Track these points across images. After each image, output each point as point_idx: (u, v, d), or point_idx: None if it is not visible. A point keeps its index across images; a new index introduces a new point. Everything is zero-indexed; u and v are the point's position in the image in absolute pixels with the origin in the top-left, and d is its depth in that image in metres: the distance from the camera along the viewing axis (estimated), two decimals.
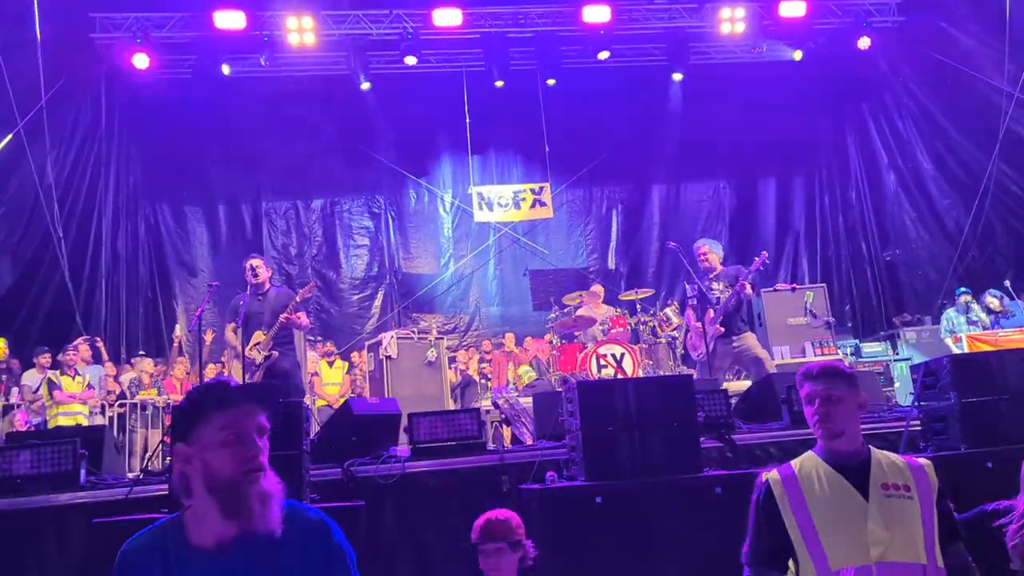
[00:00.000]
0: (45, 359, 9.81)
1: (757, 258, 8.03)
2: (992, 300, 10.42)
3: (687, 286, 8.18)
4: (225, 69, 12.78)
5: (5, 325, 10.71)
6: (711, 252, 8.20)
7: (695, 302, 7.93)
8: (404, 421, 5.60)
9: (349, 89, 13.65)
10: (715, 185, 15.70)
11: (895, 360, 10.56)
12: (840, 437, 2.69)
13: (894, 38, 13.56)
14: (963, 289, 10.61)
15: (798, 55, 13.77)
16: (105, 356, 10.32)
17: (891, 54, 13.69)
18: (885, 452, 2.74)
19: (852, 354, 10.66)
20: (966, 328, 10.23)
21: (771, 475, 2.75)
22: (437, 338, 10.48)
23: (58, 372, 9.30)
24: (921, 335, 11.06)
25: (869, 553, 2.51)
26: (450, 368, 11.36)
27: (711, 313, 7.81)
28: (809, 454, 2.78)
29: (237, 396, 2.02)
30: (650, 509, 4.23)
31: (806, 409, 2.78)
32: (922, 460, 2.74)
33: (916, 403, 4.77)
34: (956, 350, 9.87)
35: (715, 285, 7.94)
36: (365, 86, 13.43)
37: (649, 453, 4.45)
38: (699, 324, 7.83)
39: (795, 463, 2.76)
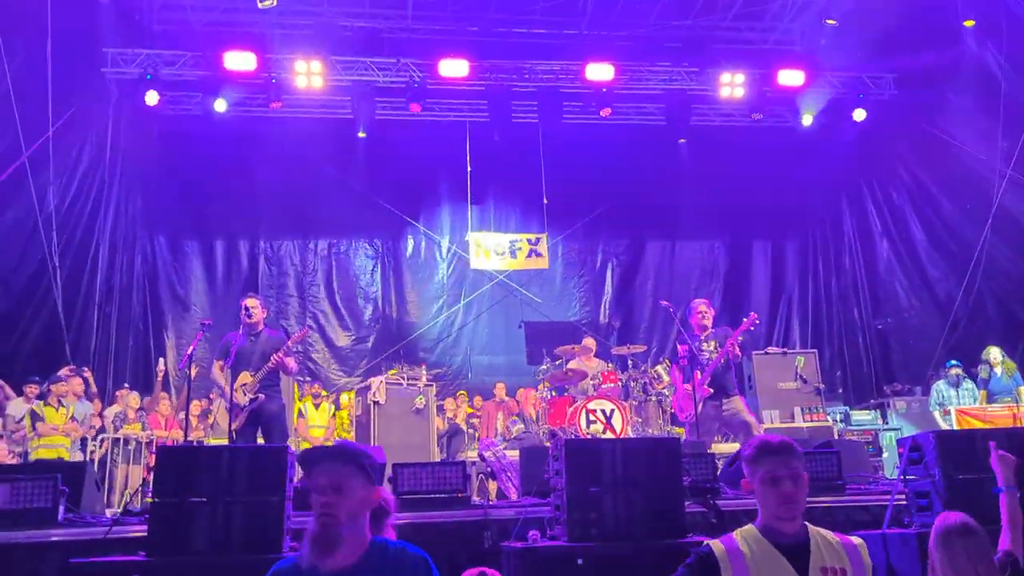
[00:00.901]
0: (32, 389, 9.72)
1: (746, 319, 8.08)
2: (993, 351, 10.41)
3: (678, 346, 8.19)
4: (220, 105, 12.91)
5: None
6: (708, 311, 8.22)
7: (685, 362, 7.89)
8: (388, 471, 5.58)
9: (353, 133, 13.81)
10: (710, 244, 15.83)
11: (884, 429, 10.54)
12: (798, 518, 2.68)
13: (889, 110, 13.83)
14: (954, 362, 10.63)
15: (808, 119, 14.00)
16: (93, 389, 10.24)
17: (886, 126, 13.94)
18: (819, 530, 2.71)
19: (841, 421, 10.64)
20: (956, 402, 10.24)
21: (716, 545, 2.70)
22: (427, 385, 10.48)
23: (42, 403, 9.22)
24: (911, 405, 11.05)
25: None
26: (438, 416, 11.31)
27: (698, 375, 7.80)
28: (749, 528, 2.72)
29: (318, 456, 2.68)
30: (632, 574, 4.20)
31: (762, 488, 2.67)
32: (855, 539, 2.73)
33: (902, 477, 4.77)
34: (944, 424, 9.86)
35: (705, 346, 7.97)
36: (361, 135, 13.59)
37: (634, 515, 4.44)
38: (687, 386, 7.82)
39: (736, 536, 2.71)
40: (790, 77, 13.30)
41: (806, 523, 2.70)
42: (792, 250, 15.81)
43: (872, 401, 12.18)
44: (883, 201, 14.35)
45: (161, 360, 12.32)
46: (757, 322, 8.28)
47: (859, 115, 13.59)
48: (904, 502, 4.80)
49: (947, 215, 12.91)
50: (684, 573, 2.72)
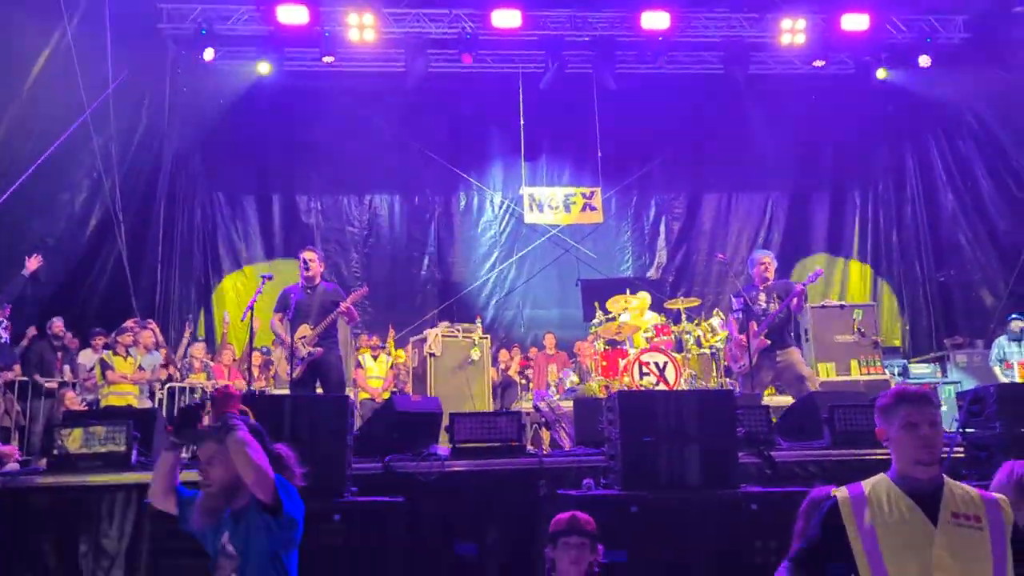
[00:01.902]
0: (100, 340, 10.12)
1: (811, 273, 7.98)
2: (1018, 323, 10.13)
3: (732, 298, 8.13)
4: (263, 68, 13.03)
5: (64, 305, 11.07)
6: (772, 263, 8.09)
7: (740, 314, 7.84)
8: (445, 420, 5.70)
9: (405, 87, 13.80)
10: (767, 197, 15.51)
11: (943, 383, 10.34)
12: (935, 464, 2.66)
13: (957, 56, 13.27)
14: (1015, 316, 10.32)
15: (883, 73, 13.56)
16: (160, 340, 10.60)
17: (953, 72, 13.39)
18: (959, 483, 2.69)
19: (900, 374, 10.48)
20: (1018, 356, 9.98)
21: (840, 492, 2.72)
22: (481, 338, 10.57)
23: (111, 353, 9.58)
24: (972, 359, 10.81)
25: None
26: (492, 368, 11.44)
27: (755, 326, 7.74)
28: (882, 477, 2.73)
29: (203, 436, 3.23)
30: (685, 522, 4.25)
31: (901, 433, 2.66)
32: (997, 495, 2.68)
33: (960, 430, 4.71)
34: (1004, 378, 9.63)
35: (761, 297, 7.87)
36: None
37: (687, 466, 4.47)
38: (742, 336, 7.77)
39: (866, 484, 2.71)
40: (854, 21, 12.79)
41: (944, 474, 2.68)
42: (852, 202, 15.40)
43: (932, 355, 11.95)
44: (948, 151, 13.88)
45: (225, 312, 12.66)
46: (821, 275, 8.16)
47: (924, 61, 13.06)
48: (962, 455, 4.74)
49: (1017, 165, 12.44)
50: (819, 523, 2.72)
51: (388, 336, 12.18)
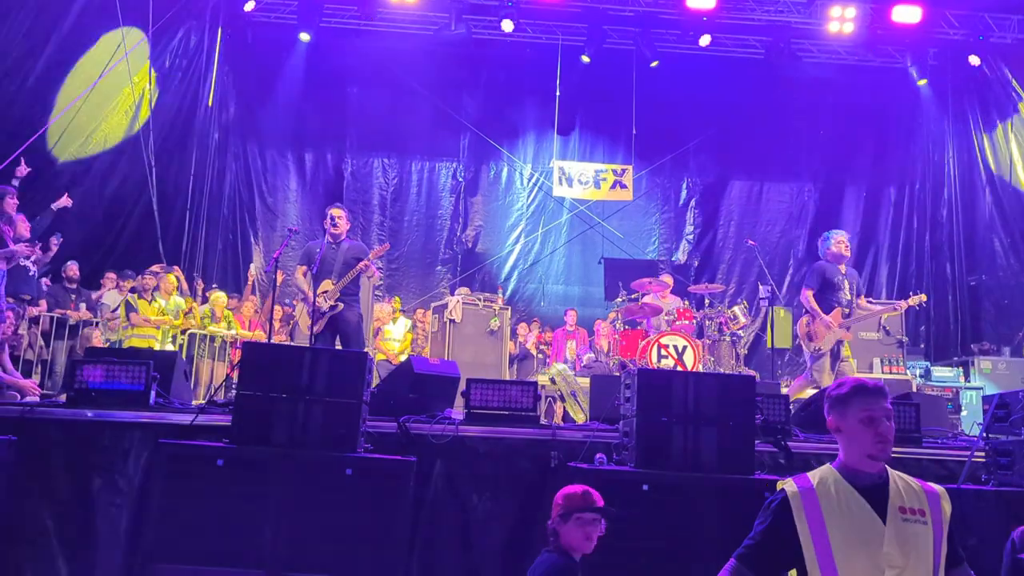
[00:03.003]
0: (128, 283, 10.22)
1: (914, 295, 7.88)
2: None
3: (760, 286, 8.02)
4: (303, 36, 12.98)
5: (91, 246, 11.18)
6: (848, 243, 7.86)
7: (816, 288, 7.48)
8: (462, 385, 5.69)
9: (442, 51, 13.70)
10: (800, 187, 15.32)
11: (966, 388, 10.22)
12: (886, 459, 2.65)
13: (1008, 54, 12.95)
14: None
15: (923, 81, 13.27)
16: (184, 287, 10.69)
17: (1002, 70, 13.08)
18: (900, 474, 2.66)
19: (922, 376, 10.36)
20: None
21: (789, 486, 2.67)
22: (502, 308, 10.56)
23: (136, 296, 9.67)
24: (997, 366, 10.67)
25: None
26: (511, 340, 11.44)
27: (839, 311, 7.45)
28: (828, 468, 2.69)
29: None
30: (696, 504, 4.22)
31: (858, 427, 2.61)
32: (936, 487, 2.66)
33: (984, 434, 4.64)
34: None
35: (845, 282, 7.57)
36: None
37: (702, 448, 4.44)
38: (831, 316, 7.37)
39: (812, 476, 2.67)
40: (906, 14, 12.49)
41: (886, 466, 2.66)
42: (887, 198, 15.16)
43: (955, 359, 11.79)
44: (992, 152, 13.58)
45: (252, 265, 12.75)
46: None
47: (974, 60, 12.75)
48: (983, 459, 4.67)
49: None
50: (767, 515, 2.70)
51: (392, 303, 12.14)
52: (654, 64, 13.71)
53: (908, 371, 9.83)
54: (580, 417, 7.87)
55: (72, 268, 10.24)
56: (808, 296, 7.52)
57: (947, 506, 2.61)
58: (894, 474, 2.64)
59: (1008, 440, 4.41)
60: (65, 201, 9.04)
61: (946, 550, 2.55)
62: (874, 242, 15.04)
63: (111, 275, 10.61)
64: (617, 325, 10.24)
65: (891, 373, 9.49)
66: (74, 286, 10.28)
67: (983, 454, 4.64)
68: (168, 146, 12.25)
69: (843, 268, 7.65)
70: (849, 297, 7.51)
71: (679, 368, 8.92)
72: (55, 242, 9.54)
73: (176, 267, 11.39)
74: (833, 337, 7.40)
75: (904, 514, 2.54)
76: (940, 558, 2.52)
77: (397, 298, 12.48)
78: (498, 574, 4.87)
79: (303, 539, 4.03)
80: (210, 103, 13.28)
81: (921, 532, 2.53)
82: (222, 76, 13.65)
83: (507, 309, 10.81)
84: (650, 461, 4.41)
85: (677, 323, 9.95)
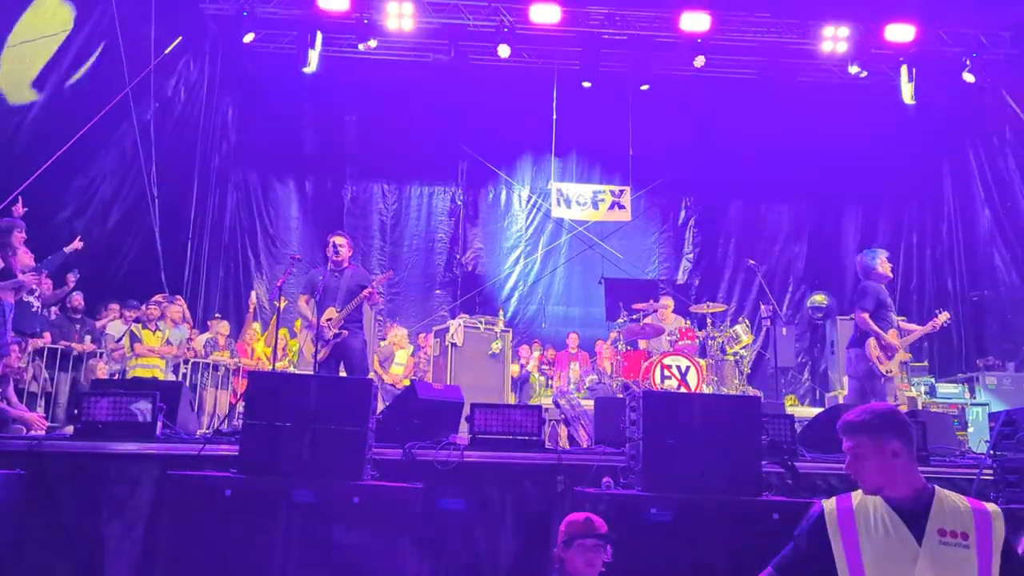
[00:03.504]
0: (131, 313, 10.24)
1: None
2: None
3: (762, 305, 8.02)
4: (312, 62, 13.05)
5: (92, 275, 11.20)
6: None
7: (871, 309, 7.25)
8: (466, 410, 5.69)
9: (440, 77, 13.82)
10: (797, 206, 15.40)
11: (972, 404, 10.20)
12: (881, 490, 2.64)
13: (1001, 70, 13.05)
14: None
15: (908, 94, 13.29)
16: (188, 316, 10.70)
17: (996, 87, 13.17)
18: (952, 495, 2.65)
19: (927, 393, 10.34)
20: None
21: (828, 504, 2.71)
22: (503, 331, 10.57)
23: (140, 326, 9.68)
24: (1002, 381, 10.66)
25: None
26: (513, 362, 11.44)
27: (894, 332, 7.28)
28: None
29: None
30: (705, 527, 4.21)
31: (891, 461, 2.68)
32: (990, 506, 2.63)
33: (991, 451, 4.63)
34: None
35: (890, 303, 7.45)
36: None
37: (709, 470, 4.44)
38: (890, 334, 7.19)
39: (855, 496, 2.69)
40: (899, 32, 12.55)
41: (935, 486, 2.65)
42: (885, 216, 15.23)
43: (960, 376, 11.78)
44: (988, 167, 13.64)
45: (253, 293, 12.78)
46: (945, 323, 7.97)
47: (968, 78, 12.83)
48: (991, 477, 4.66)
49: None
50: (805, 532, 2.74)
51: (392, 333, 12.13)
52: (645, 87, 13.82)
53: (913, 388, 9.81)
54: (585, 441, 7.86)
55: (77, 298, 10.26)
56: (866, 318, 7.24)
57: (999, 525, 2.56)
58: (941, 494, 2.62)
59: (1017, 457, 4.41)
60: (77, 244, 9.16)
61: (997, 573, 2.49)
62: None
63: (114, 306, 10.64)
64: (619, 346, 10.25)
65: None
66: (79, 316, 10.29)
67: (991, 472, 4.63)
68: (169, 175, 12.31)
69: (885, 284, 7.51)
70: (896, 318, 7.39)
71: (682, 389, 8.92)
72: (72, 279, 9.60)
73: (179, 296, 11.41)
74: (898, 359, 7.28)
75: (944, 537, 2.51)
76: None
77: (398, 324, 12.48)
78: None
79: (312, 568, 4.02)
80: (208, 134, 13.38)
81: (962, 556, 2.49)
82: (223, 106, 13.76)
83: (508, 331, 10.81)
84: (657, 484, 4.41)
85: (680, 343, 9.97)
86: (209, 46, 13.41)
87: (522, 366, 12.37)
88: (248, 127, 14.50)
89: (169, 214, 12.35)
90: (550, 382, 12.10)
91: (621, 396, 8.03)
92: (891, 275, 7.57)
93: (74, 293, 10.28)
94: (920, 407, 9.31)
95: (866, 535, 2.56)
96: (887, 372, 7.16)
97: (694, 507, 4.23)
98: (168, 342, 9.62)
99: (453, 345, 10.04)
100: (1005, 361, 11.77)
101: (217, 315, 12.13)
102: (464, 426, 5.65)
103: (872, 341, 7.18)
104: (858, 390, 7.35)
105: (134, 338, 9.45)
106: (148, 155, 11.50)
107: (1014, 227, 13.02)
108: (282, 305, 7.94)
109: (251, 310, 12.01)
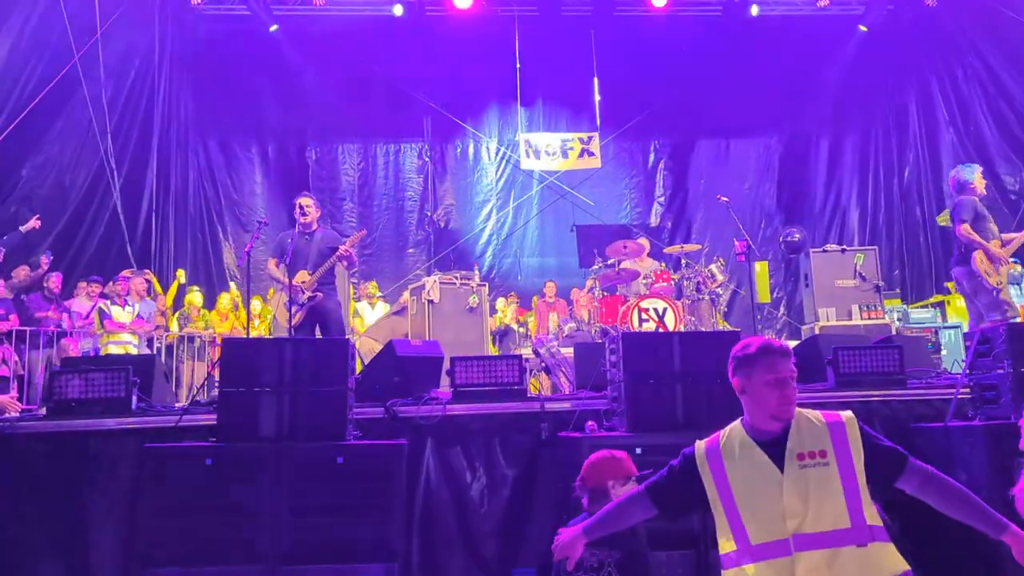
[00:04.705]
0: (95, 288, 10.02)
1: None
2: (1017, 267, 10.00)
3: (735, 240, 7.98)
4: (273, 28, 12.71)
5: (59, 254, 10.96)
6: None
7: (970, 220, 7.00)
8: (446, 364, 5.66)
9: (398, 31, 13.52)
10: (765, 141, 15.35)
11: (944, 327, 10.33)
12: (751, 423, 2.66)
13: None
14: (1013, 259, 10.26)
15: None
16: (158, 290, 10.53)
17: (957, 11, 13.11)
18: (810, 413, 2.64)
19: (900, 319, 10.46)
20: (1017, 298, 9.94)
21: (699, 444, 2.73)
22: (479, 285, 10.50)
23: (108, 302, 9.50)
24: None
25: (786, 526, 2.48)
26: (490, 316, 11.40)
27: (997, 241, 7.05)
28: (736, 425, 2.70)
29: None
30: None
31: (763, 389, 2.58)
32: (844, 414, 2.63)
33: (967, 371, 4.68)
34: None
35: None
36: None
37: (692, 407, 4.45)
38: (994, 243, 6.97)
39: (723, 434, 2.71)
40: None
41: (797, 409, 2.63)
42: (852, 146, 15.23)
43: (932, 301, 11.93)
44: (952, 93, 13.64)
45: (225, 259, 12.59)
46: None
47: (930, 1, 12.76)
48: (969, 395, 4.72)
49: (1021, 108, 12.26)
50: (666, 471, 2.78)
51: (366, 290, 12.03)
52: (610, 31, 13.62)
53: (887, 315, 9.91)
54: (567, 388, 7.88)
55: (55, 280, 9.99)
56: (967, 230, 6.99)
57: (854, 429, 2.58)
58: (799, 417, 2.61)
59: (992, 374, 4.46)
60: (34, 223, 8.91)
61: (863, 476, 2.52)
62: (843, 189, 15.12)
63: (83, 284, 10.40)
64: (596, 292, 10.23)
65: (870, 319, 9.56)
66: (52, 296, 10.07)
67: (968, 390, 4.69)
68: (127, 147, 12.02)
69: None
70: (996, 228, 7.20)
71: (661, 330, 8.93)
72: (46, 260, 9.36)
73: (147, 270, 11.22)
74: (1005, 269, 7.10)
75: (802, 460, 2.52)
76: (855, 490, 2.49)
77: (374, 283, 12.38)
78: (498, 548, 4.88)
79: (299, 531, 3.99)
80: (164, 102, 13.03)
81: (823, 475, 2.51)
82: (176, 72, 13.38)
83: (484, 285, 10.74)
84: (641, 424, 4.43)
85: (655, 286, 9.95)
86: (158, 10, 12.97)
87: (500, 320, 12.34)
88: (204, 93, 14.12)
89: (132, 186, 12.11)
90: (528, 332, 12.09)
91: (600, 342, 8.02)
92: (985, 191, 7.35)
93: (51, 275, 10.05)
94: (895, 333, 9.43)
95: (733, 471, 2.59)
96: (997, 284, 6.99)
97: (678, 443, 4.22)
98: (139, 317, 9.46)
99: (430, 302, 9.96)
100: None
101: (190, 285, 11.94)
102: (445, 380, 5.62)
103: (979, 254, 6.96)
104: (975, 313, 7.24)
105: (103, 315, 9.29)
106: (103, 128, 11.19)
107: (980, 152, 13.08)
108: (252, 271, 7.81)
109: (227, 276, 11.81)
